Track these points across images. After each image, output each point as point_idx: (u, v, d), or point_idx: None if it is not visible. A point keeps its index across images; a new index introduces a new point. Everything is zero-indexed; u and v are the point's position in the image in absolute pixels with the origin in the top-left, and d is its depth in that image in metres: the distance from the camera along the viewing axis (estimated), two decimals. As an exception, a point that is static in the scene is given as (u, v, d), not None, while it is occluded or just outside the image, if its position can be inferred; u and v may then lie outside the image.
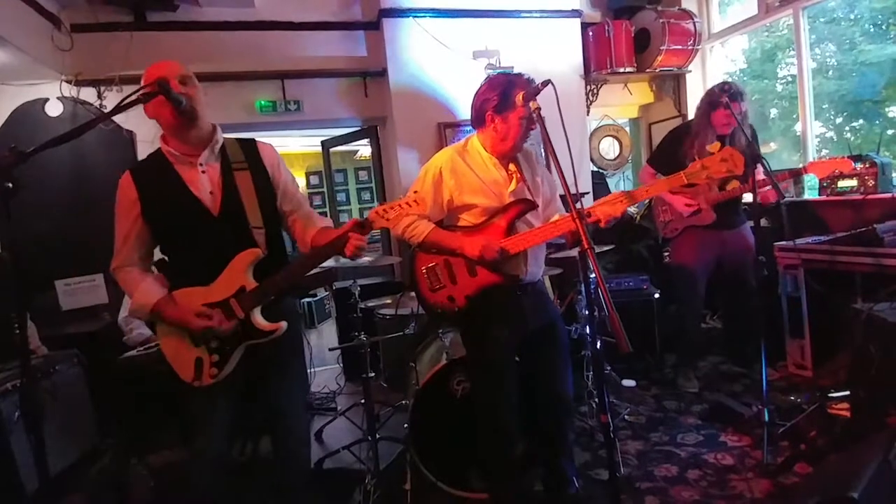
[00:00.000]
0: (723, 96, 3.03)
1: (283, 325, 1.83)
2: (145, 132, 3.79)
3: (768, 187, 2.88)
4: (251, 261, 1.78)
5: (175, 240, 1.82)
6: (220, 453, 1.87)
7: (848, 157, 3.58)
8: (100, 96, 4.02)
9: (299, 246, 1.95)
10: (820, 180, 3.77)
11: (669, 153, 3.34)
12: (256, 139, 1.96)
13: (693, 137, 3.25)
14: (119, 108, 1.57)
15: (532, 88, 1.92)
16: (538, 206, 2.19)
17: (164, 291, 1.80)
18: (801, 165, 4.23)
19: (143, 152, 1.91)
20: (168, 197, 1.77)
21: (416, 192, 2.11)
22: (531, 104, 1.84)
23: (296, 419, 2.02)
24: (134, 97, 1.57)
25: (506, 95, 2.04)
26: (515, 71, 2.20)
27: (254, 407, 1.99)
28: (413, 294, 2.32)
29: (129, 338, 3.11)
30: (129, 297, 1.82)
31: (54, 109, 3.80)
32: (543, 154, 4.31)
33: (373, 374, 2.91)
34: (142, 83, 1.69)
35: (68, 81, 3.90)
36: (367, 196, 9.00)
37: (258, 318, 1.81)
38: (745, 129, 2.93)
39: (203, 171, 1.80)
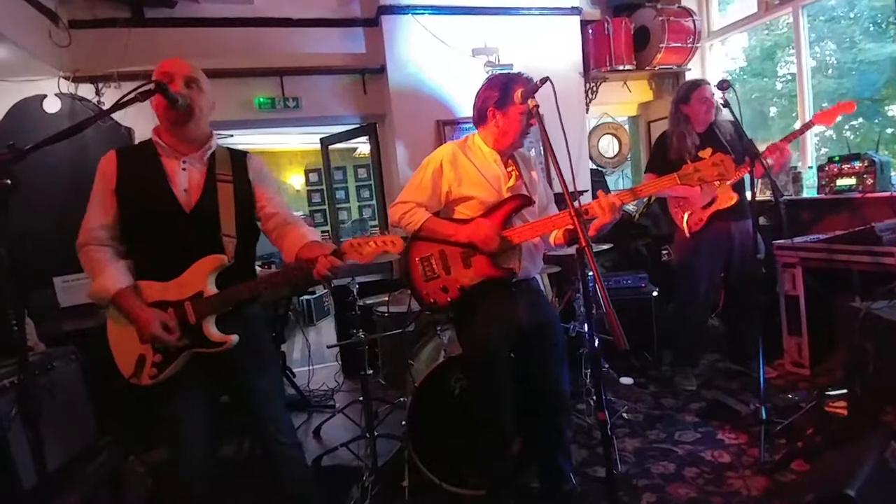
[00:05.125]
0: (691, 88, 3.07)
1: (234, 339, 1.76)
2: (143, 129, 3.78)
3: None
4: (215, 267, 1.75)
5: (141, 228, 1.77)
6: (199, 455, 1.82)
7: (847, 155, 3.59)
8: (98, 93, 4.01)
9: (284, 256, 1.86)
10: (817, 175, 3.79)
11: (662, 158, 3.34)
12: (248, 153, 1.94)
13: (677, 138, 3.26)
14: (118, 106, 1.56)
15: (531, 86, 1.94)
16: (534, 202, 2.20)
17: (129, 281, 1.75)
18: (799, 163, 4.24)
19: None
20: (144, 182, 1.76)
21: (405, 202, 2.15)
22: (530, 101, 1.87)
23: (275, 424, 1.94)
24: (132, 95, 1.56)
25: (506, 91, 2.09)
26: (515, 68, 2.21)
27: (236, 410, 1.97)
28: (409, 291, 2.31)
29: None
30: (91, 279, 1.75)
31: (52, 106, 3.78)
32: (543, 154, 4.31)
33: (371, 372, 2.91)
34: (153, 77, 1.70)
35: (66, 78, 3.89)
36: (366, 193, 8.99)
37: (210, 326, 1.75)
38: (728, 118, 2.92)
39: (184, 169, 1.79)
